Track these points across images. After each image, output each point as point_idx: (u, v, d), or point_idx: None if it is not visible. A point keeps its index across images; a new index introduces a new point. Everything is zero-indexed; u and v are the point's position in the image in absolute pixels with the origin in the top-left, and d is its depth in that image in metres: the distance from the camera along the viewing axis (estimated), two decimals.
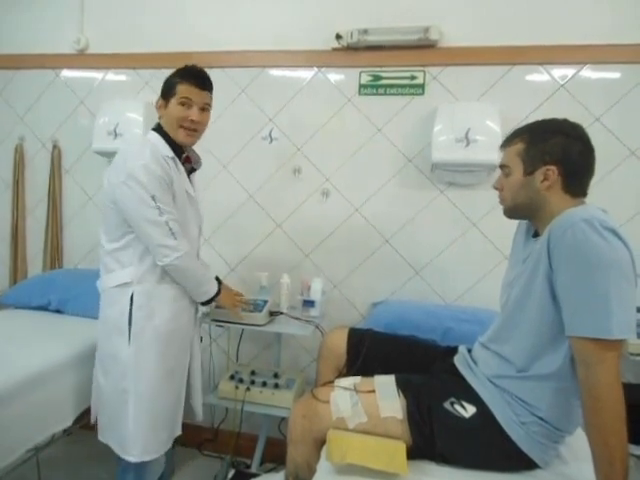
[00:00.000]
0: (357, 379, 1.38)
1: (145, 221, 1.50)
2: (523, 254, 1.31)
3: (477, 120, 1.97)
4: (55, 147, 2.59)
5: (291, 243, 2.33)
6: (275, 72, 2.31)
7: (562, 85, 2.02)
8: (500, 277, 1.42)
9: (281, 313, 2.04)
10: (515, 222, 1.43)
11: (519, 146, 1.25)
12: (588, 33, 1.97)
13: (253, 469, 2.04)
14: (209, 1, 2.36)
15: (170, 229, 1.51)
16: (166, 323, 1.60)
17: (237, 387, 1.97)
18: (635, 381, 1.85)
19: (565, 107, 1.98)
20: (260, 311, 1.94)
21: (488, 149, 1.92)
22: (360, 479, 1.16)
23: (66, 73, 2.57)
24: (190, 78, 1.58)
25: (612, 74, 1.98)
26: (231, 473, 1.95)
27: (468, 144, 1.95)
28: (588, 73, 2.00)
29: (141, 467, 1.62)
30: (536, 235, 1.29)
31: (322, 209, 2.28)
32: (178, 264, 1.55)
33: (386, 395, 1.30)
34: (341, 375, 1.54)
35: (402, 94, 2.17)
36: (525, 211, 1.30)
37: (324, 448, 1.28)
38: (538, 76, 2.04)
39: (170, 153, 1.59)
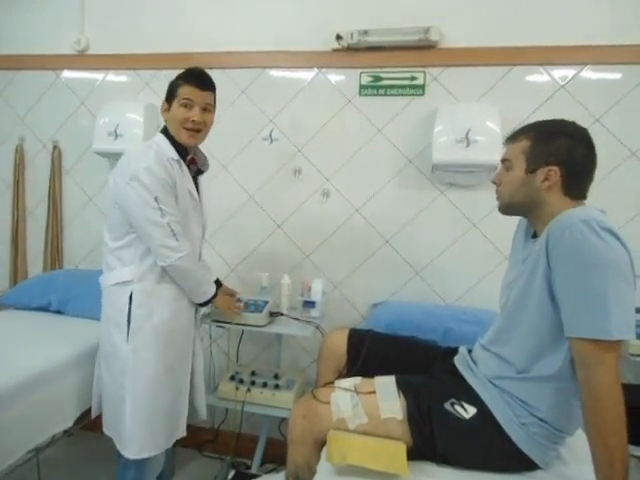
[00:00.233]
0: (357, 380, 1.38)
1: (147, 222, 1.52)
2: (522, 255, 1.31)
3: (477, 121, 1.96)
4: (55, 148, 2.59)
5: (291, 244, 2.33)
6: (275, 73, 2.31)
7: (562, 86, 2.02)
8: (500, 278, 1.42)
9: (281, 314, 2.04)
10: (515, 223, 1.43)
11: (524, 143, 1.25)
12: (588, 34, 1.97)
13: (253, 470, 2.04)
14: (209, 2, 2.36)
15: (172, 230, 1.54)
16: (165, 322, 1.61)
17: (237, 388, 1.97)
18: (635, 382, 1.85)
19: (565, 108, 1.98)
20: (260, 312, 1.94)
21: (488, 150, 1.92)
22: None
23: (67, 74, 2.57)
24: (190, 79, 1.59)
25: (612, 75, 1.98)
26: (231, 474, 1.95)
27: (468, 145, 1.95)
28: (588, 74, 2.00)
29: (141, 464, 1.64)
30: (535, 236, 1.29)
31: (322, 210, 2.28)
32: (179, 265, 1.57)
33: (386, 396, 1.30)
34: (341, 376, 1.54)
35: (402, 95, 2.17)
36: (521, 209, 1.30)
37: (324, 449, 1.28)
38: (538, 77, 2.04)
39: (175, 155, 1.61)
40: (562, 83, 2.02)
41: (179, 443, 1.76)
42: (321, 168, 2.27)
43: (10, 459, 1.49)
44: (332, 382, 1.42)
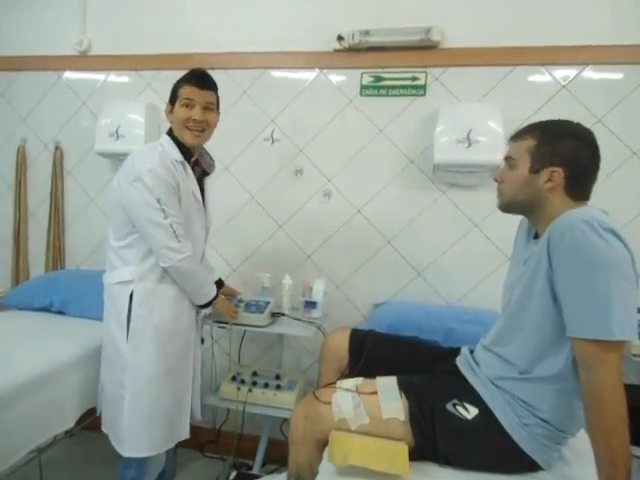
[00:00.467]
0: (359, 380, 1.38)
1: (149, 223, 1.53)
2: (524, 255, 1.30)
3: (479, 121, 1.96)
4: (57, 148, 2.59)
5: (293, 244, 2.33)
6: (277, 73, 2.31)
7: (564, 86, 2.01)
8: (502, 278, 1.42)
9: (283, 314, 2.04)
10: (516, 222, 1.43)
11: (530, 142, 1.23)
12: (590, 34, 1.97)
13: (255, 470, 2.04)
14: (210, 2, 2.36)
15: (174, 231, 1.55)
16: (165, 323, 1.62)
17: (239, 388, 1.97)
18: (638, 382, 1.84)
19: (567, 108, 1.97)
20: (262, 312, 1.94)
21: (490, 150, 1.92)
22: None
23: (68, 75, 2.57)
24: (191, 80, 1.61)
25: (614, 75, 1.98)
26: (233, 474, 1.95)
27: (470, 145, 1.95)
28: (590, 74, 2.00)
29: (142, 463, 1.65)
30: (536, 236, 1.29)
31: (324, 210, 2.28)
32: (180, 266, 1.58)
33: (388, 396, 1.30)
34: (343, 376, 1.53)
35: (404, 95, 2.17)
36: (522, 208, 1.29)
37: (326, 449, 1.28)
38: (540, 77, 2.04)
39: (179, 157, 1.62)
40: (564, 83, 2.01)
41: (180, 443, 1.76)
42: (322, 168, 2.27)
43: (12, 459, 1.49)
44: (334, 382, 1.41)
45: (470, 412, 1.24)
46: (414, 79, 2.15)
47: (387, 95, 2.19)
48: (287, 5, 2.27)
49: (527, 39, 2.02)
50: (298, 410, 1.40)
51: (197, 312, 1.78)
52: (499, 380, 1.27)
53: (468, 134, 1.95)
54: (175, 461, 2.04)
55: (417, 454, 1.24)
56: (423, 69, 2.14)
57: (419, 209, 2.18)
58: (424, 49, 2.10)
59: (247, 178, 2.37)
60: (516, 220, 1.42)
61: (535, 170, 1.22)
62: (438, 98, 2.12)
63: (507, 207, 1.32)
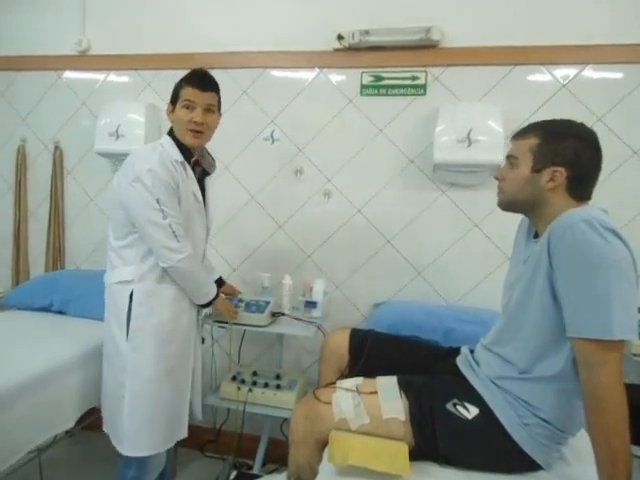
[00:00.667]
0: (359, 380, 1.38)
1: (149, 223, 1.54)
2: (524, 255, 1.30)
3: (479, 120, 1.96)
4: (57, 148, 2.59)
5: (293, 244, 2.33)
6: (276, 73, 2.31)
7: (564, 85, 2.01)
8: (502, 278, 1.42)
9: (283, 314, 2.04)
10: (516, 222, 1.43)
11: (532, 141, 1.23)
12: (590, 33, 1.97)
13: (255, 470, 2.04)
14: (210, 2, 2.36)
15: (173, 232, 1.55)
16: (165, 323, 1.62)
17: (239, 388, 1.97)
18: (638, 382, 1.84)
19: (567, 107, 1.97)
20: (262, 312, 1.94)
21: (490, 149, 1.92)
22: None
23: (68, 74, 2.57)
24: (192, 81, 1.60)
25: (614, 74, 1.98)
26: (233, 474, 1.95)
27: (470, 144, 1.95)
28: (590, 73, 1.99)
29: (142, 463, 1.65)
30: (536, 236, 1.29)
31: (324, 210, 2.28)
32: (180, 266, 1.58)
33: (388, 396, 1.30)
34: (343, 376, 1.53)
35: (404, 94, 2.17)
36: (523, 207, 1.29)
37: (326, 449, 1.28)
38: (540, 76, 2.04)
39: (179, 157, 1.62)
40: (564, 82, 2.01)
41: (181, 443, 1.76)
42: (322, 168, 2.27)
43: (12, 459, 1.49)
44: (334, 382, 1.41)
45: (470, 412, 1.24)
46: (414, 79, 2.15)
47: (387, 95, 2.18)
48: (287, 5, 2.27)
49: (527, 38, 2.02)
50: (298, 410, 1.40)
51: (198, 312, 1.78)
52: (499, 380, 1.27)
53: (468, 133, 1.95)
54: (175, 461, 2.04)
55: (417, 454, 1.24)
56: (423, 69, 2.14)
57: (419, 209, 2.18)
58: (424, 48, 2.10)
59: (247, 178, 2.37)
60: (516, 220, 1.42)
61: (537, 169, 1.22)
62: (438, 97, 2.12)
63: (507, 206, 1.32)
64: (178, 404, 1.69)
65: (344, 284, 2.28)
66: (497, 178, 1.33)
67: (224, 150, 2.31)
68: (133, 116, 2.32)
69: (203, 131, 1.62)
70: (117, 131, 2.31)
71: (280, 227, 2.34)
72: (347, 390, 1.34)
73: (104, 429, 1.70)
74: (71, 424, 1.73)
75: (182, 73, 1.65)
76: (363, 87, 2.21)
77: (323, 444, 1.31)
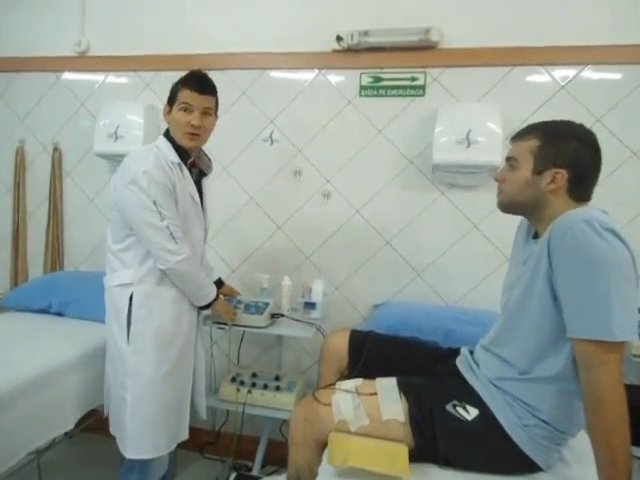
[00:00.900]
0: (359, 381, 1.37)
1: (146, 225, 1.53)
2: (523, 255, 1.30)
3: (478, 121, 1.96)
4: (56, 150, 2.59)
5: (292, 245, 2.33)
6: (276, 74, 2.31)
7: (563, 86, 2.01)
8: (501, 279, 1.42)
9: (282, 315, 2.03)
10: (516, 223, 1.43)
11: (533, 142, 1.22)
12: (589, 34, 1.97)
13: (254, 472, 2.03)
14: (209, 3, 2.36)
15: (171, 233, 1.55)
16: (166, 327, 1.62)
17: (238, 389, 1.97)
18: (637, 382, 1.84)
19: (566, 108, 1.97)
20: (261, 313, 1.94)
21: (489, 150, 1.92)
22: None
23: (67, 75, 2.57)
24: (190, 83, 1.60)
25: (613, 75, 1.98)
26: (232, 476, 1.95)
27: (469, 145, 1.95)
28: (589, 74, 1.99)
29: (144, 466, 1.65)
30: (536, 236, 1.29)
31: (323, 211, 2.28)
32: (178, 268, 1.58)
33: (388, 398, 1.29)
34: (342, 377, 1.53)
35: (403, 95, 2.16)
36: (523, 209, 1.29)
37: (326, 451, 1.28)
38: (539, 77, 2.04)
39: (176, 159, 1.62)
40: (563, 83, 2.01)
41: (180, 445, 1.76)
42: (321, 169, 2.27)
43: (11, 461, 1.48)
44: (333, 384, 1.41)
45: (470, 413, 1.24)
46: (413, 79, 2.15)
47: (386, 95, 2.18)
48: (286, 5, 2.27)
49: (526, 39, 2.02)
50: (298, 411, 1.40)
51: (198, 313, 1.78)
52: (499, 381, 1.27)
53: (467, 134, 1.95)
54: (175, 463, 2.03)
55: (417, 455, 1.23)
56: (422, 69, 2.14)
57: (418, 209, 2.18)
58: (423, 49, 2.10)
59: (246, 179, 2.36)
60: (515, 220, 1.41)
61: (538, 172, 1.21)
62: (437, 98, 2.12)
63: (507, 207, 1.32)
64: (180, 406, 1.69)
65: (343, 285, 2.28)
66: (497, 180, 1.33)
67: (223, 151, 2.32)
68: (132, 117, 2.32)
69: (200, 134, 1.63)
70: (116, 132, 2.31)
71: (279, 228, 2.34)
72: (347, 391, 1.34)
73: (111, 431, 1.70)
74: (70, 426, 1.72)
75: (181, 74, 1.65)
76: (362, 88, 2.21)
77: (323, 446, 1.31)
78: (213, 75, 1.67)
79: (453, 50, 2.09)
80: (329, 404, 1.32)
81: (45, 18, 2.57)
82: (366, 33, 2.09)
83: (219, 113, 1.71)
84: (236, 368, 2.17)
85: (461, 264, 2.14)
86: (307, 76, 2.27)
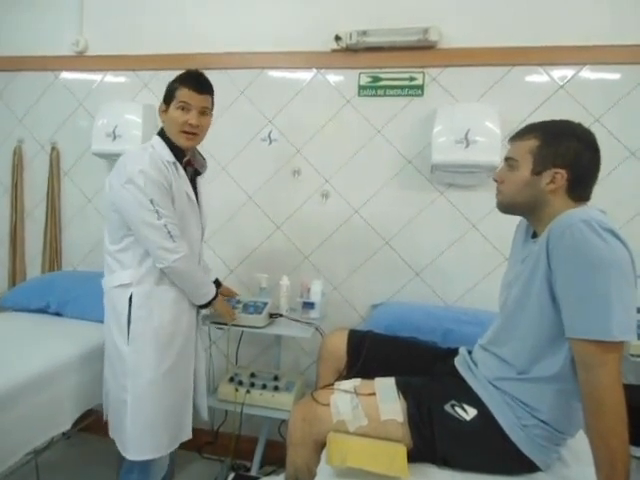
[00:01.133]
0: (357, 381, 1.37)
1: (143, 224, 1.53)
2: (522, 254, 1.30)
3: (477, 121, 1.96)
4: (54, 149, 2.58)
5: (291, 245, 2.33)
6: (274, 73, 2.31)
7: (562, 86, 2.01)
8: (500, 278, 1.41)
9: (281, 315, 2.03)
10: (514, 223, 1.43)
11: (532, 143, 1.22)
12: (588, 34, 1.97)
13: (253, 472, 2.03)
14: (209, 2, 2.36)
15: (168, 232, 1.54)
16: (166, 326, 1.62)
17: (237, 389, 1.97)
18: (636, 382, 1.84)
19: (565, 108, 1.97)
20: (260, 313, 1.94)
21: (488, 150, 1.92)
22: None
23: (65, 75, 2.56)
24: (188, 82, 1.59)
25: (612, 75, 1.98)
26: (231, 476, 1.94)
27: (468, 145, 1.95)
28: (588, 74, 1.99)
29: (144, 467, 1.64)
30: (535, 236, 1.29)
31: (322, 210, 2.27)
32: (176, 267, 1.57)
33: (386, 398, 1.29)
34: (341, 377, 1.53)
35: (401, 95, 2.16)
36: (523, 209, 1.29)
37: (324, 451, 1.28)
38: (538, 77, 2.04)
39: (171, 158, 1.61)
40: (561, 83, 2.01)
41: (178, 445, 1.75)
42: (320, 169, 2.27)
43: (10, 461, 1.48)
44: (332, 384, 1.41)
45: (469, 413, 1.24)
46: (412, 79, 2.15)
47: (385, 95, 2.18)
48: (285, 5, 2.27)
49: (525, 39, 2.02)
50: (296, 412, 1.40)
51: (197, 312, 1.77)
52: (497, 381, 1.27)
53: (466, 134, 1.94)
54: (173, 463, 2.03)
55: (416, 456, 1.23)
56: (421, 69, 2.13)
57: (417, 209, 2.18)
58: (422, 49, 2.10)
59: (244, 178, 2.36)
60: (514, 220, 1.41)
61: (537, 172, 1.21)
62: (436, 98, 2.12)
63: (507, 208, 1.31)
64: (181, 406, 1.68)
65: (342, 285, 2.28)
66: (496, 180, 1.33)
67: (221, 150, 2.31)
68: (130, 117, 2.31)
69: (197, 133, 1.62)
70: (114, 132, 2.30)
71: (278, 228, 2.34)
72: (345, 392, 1.34)
73: (110, 435, 1.68)
74: (68, 426, 1.71)
75: (179, 73, 1.64)
76: (361, 88, 2.20)
77: (321, 446, 1.31)
78: (211, 74, 1.67)
79: (452, 50, 2.09)
80: (328, 404, 1.32)
81: (44, 18, 2.57)
82: (365, 33, 2.09)
83: (218, 113, 1.71)
84: (234, 368, 2.17)
85: (460, 264, 2.14)
86: (306, 76, 2.27)
